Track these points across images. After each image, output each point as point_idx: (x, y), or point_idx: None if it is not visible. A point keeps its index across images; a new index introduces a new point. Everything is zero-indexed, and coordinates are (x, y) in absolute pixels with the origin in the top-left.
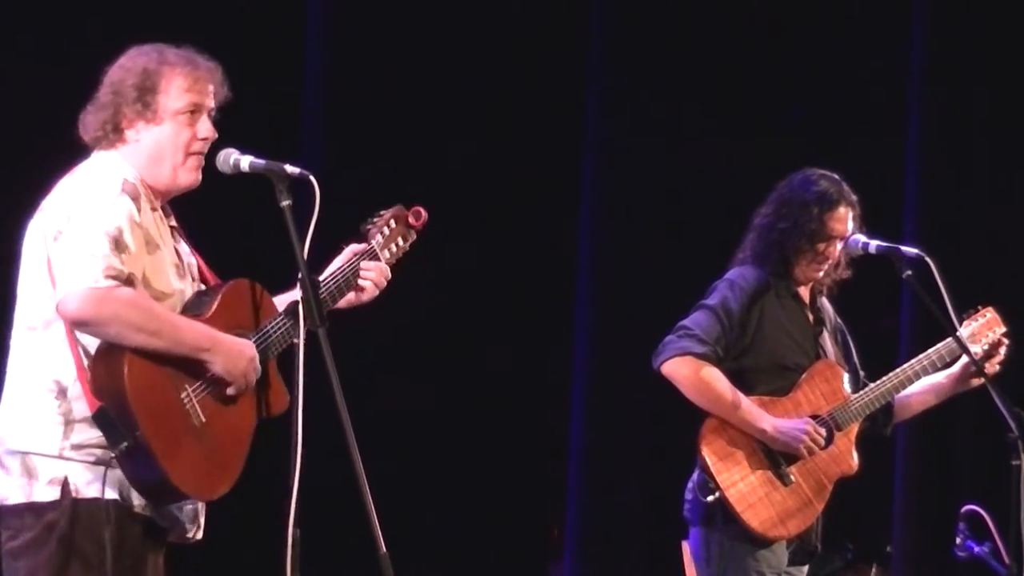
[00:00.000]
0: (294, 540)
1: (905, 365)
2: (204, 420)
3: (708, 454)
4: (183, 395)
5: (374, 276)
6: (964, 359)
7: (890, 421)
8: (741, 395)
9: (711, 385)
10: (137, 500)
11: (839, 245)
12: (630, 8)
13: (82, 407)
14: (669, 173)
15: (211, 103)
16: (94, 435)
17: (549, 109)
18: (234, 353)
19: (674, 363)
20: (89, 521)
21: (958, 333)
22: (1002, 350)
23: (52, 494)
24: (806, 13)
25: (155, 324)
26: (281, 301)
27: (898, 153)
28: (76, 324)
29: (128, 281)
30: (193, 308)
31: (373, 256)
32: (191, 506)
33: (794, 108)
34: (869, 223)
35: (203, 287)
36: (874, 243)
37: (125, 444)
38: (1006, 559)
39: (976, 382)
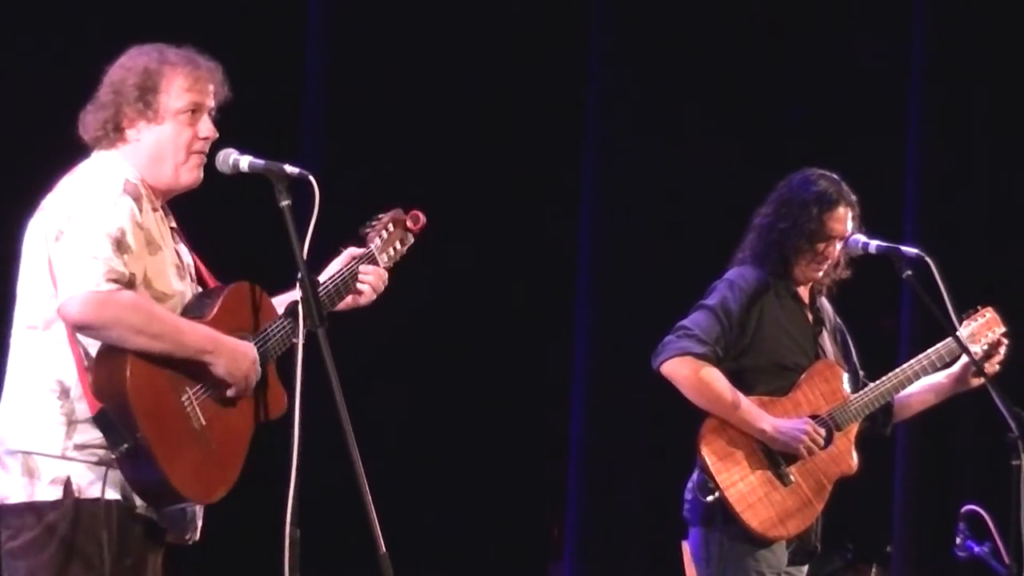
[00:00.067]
0: (293, 540)
1: (905, 365)
2: (204, 423)
3: (708, 454)
4: (184, 398)
5: (372, 280)
6: (964, 359)
7: (890, 421)
8: (741, 395)
9: (711, 385)
10: (139, 500)
11: (839, 245)
12: (630, 8)
13: (85, 407)
14: (669, 173)
15: (212, 103)
16: (97, 435)
17: (549, 109)
18: (236, 355)
19: (674, 363)
20: (90, 522)
21: (958, 333)
22: (1002, 350)
23: (54, 494)
24: (806, 13)
25: (157, 327)
26: (280, 302)
27: (898, 153)
28: (78, 328)
29: (129, 283)
30: (194, 310)
31: (371, 260)
32: (190, 508)
33: (794, 108)
34: (869, 223)
35: (201, 289)
36: (874, 243)
37: (125, 446)
38: (1006, 559)
39: (976, 382)
